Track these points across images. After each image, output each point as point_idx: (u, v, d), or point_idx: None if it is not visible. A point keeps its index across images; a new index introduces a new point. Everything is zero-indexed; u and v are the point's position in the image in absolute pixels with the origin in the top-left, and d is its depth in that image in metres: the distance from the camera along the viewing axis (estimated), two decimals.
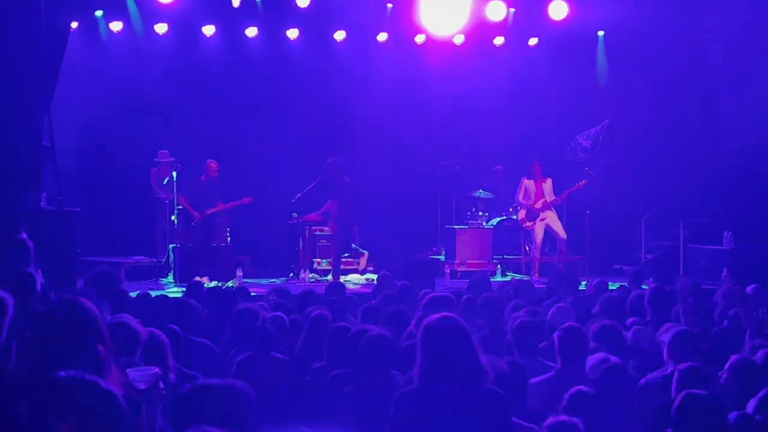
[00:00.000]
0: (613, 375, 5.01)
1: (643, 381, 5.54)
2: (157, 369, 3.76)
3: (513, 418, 4.34)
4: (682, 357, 5.49)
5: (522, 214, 14.81)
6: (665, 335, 6.08)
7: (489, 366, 4.19)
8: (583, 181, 14.60)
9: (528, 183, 14.74)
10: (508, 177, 15.73)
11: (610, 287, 10.03)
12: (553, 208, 14.69)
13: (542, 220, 14.59)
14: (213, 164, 13.65)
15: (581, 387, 4.76)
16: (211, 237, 13.74)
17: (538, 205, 14.59)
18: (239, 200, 13.90)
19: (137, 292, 8.56)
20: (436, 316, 4.28)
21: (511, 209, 15.51)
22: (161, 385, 3.69)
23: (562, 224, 14.95)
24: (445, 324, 4.19)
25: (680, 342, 5.67)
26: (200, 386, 3.59)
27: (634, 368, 5.97)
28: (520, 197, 14.81)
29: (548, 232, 14.68)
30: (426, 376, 4.14)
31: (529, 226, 14.71)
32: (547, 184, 14.71)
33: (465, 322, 4.30)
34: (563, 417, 4.20)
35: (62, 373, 2.74)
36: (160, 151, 14.67)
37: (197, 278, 11.77)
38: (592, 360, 5.51)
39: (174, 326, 6.03)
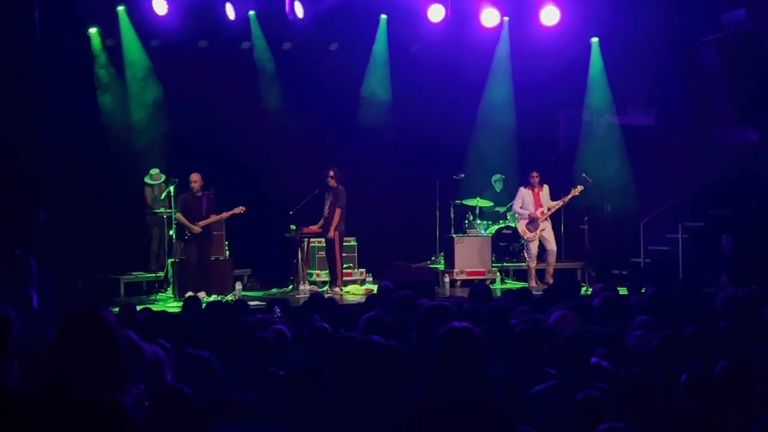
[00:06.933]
0: (625, 382, 4.95)
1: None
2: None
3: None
4: (670, 360, 5.50)
5: (523, 225, 14.72)
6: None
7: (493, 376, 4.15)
8: (579, 188, 14.54)
9: (525, 192, 14.72)
10: (508, 188, 15.74)
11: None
12: (549, 218, 14.69)
13: (542, 230, 14.59)
14: (195, 177, 13.41)
15: (592, 391, 4.72)
16: (210, 251, 13.67)
17: (539, 214, 14.53)
18: (231, 210, 13.67)
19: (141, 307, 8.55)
20: (456, 325, 4.21)
21: (508, 216, 15.52)
22: (146, 403, 3.60)
23: (562, 230, 14.90)
24: (463, 335, 4.13)
25: (667, 346, 5.67)
26: None
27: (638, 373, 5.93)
28: (518, 207, 14.80)
29: (540, 240, 14.66)
30: (436, 386, 4.08)
31: (530, 237, 14.61)
32: (544, 192, 14.70)
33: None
34: (608, 425, 4.12)
35: (83, 396, 2.58)
36: (151, 170, 14.70)
37: (191, 293, 11.73)
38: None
39: (168, 341, 5.97)
